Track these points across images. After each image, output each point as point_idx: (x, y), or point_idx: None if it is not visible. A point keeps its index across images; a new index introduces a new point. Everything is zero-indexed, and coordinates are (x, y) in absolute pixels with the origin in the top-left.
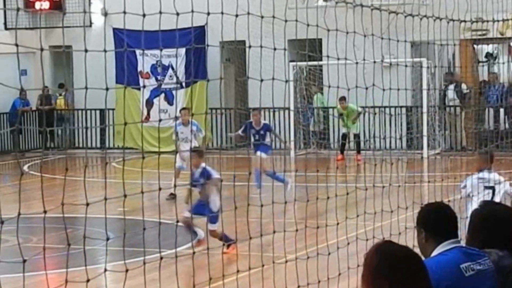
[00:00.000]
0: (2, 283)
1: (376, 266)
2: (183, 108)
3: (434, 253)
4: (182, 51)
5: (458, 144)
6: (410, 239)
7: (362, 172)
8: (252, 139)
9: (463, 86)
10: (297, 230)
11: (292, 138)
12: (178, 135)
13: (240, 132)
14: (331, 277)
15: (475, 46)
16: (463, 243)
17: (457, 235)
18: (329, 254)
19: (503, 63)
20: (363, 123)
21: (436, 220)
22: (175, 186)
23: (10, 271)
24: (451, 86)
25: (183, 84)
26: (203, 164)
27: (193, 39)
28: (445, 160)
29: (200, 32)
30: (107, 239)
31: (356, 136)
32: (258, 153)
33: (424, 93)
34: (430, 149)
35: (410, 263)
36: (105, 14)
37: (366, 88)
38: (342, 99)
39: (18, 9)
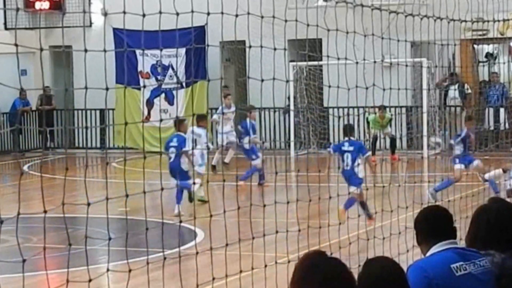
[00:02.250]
0: (2, 283)
1: (300, 280)
2: (229, 94)
3: (428, 254)
4: (182, 51)
5: None
6: (410, 239)
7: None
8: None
9: (466, 86)
10: (299, 230)
11: (292, 138)
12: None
13: None
14: None
15: (475, 46)
16: (463, 242)
17: (453, 236)
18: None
19: (503, 63)
20: (363, 123)
21: (425, 223)
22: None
23: (10, 271)
24: (453, 86)
25: (183, 84)
26: None
27: (193, 39)
28: (445, 160)
29: (200, 32)
30: (109, 239)
31: (392, 139)
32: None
33: (424, 93)
34: (430, 149)
35: (338, 279)
36: (105, 14)
37: (366, 88)
38: (382, 108)
39: (18, 9)
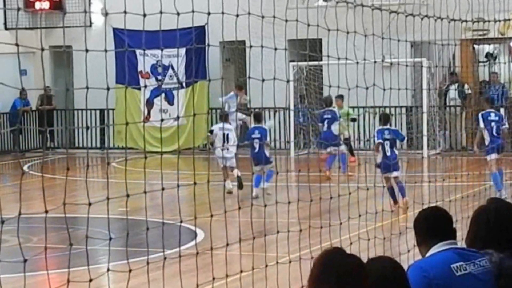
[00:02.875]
0: (3, 283)
1: (318, 277)
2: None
3: (428, 254)
4: (182, 51)
5: (458, 144)
6: (410, 239)
7: (363, 172)
8: None
9: (466, 86)
10: (300, 230)
11: (292, 138)
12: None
13: None
14: None
15: (475, 46)
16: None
17: (453, 236)
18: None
19: (504, 63)
20: (363, 123)
21: (424, 224)
22: (178, 185)
23: (11, 271)
24: (453, 86)
25: (184, 84)
26: None
27: (193, 39)
28: (445, 160)
29: (200, 32)
30: (110, 238)
31: (346, 139)
32: None
33: (424, 93)
34: (430, 149)
35: (355, 276)
36: (106, 14)
37: (367, 88)
38: (340, 97)
39: (18, 9)
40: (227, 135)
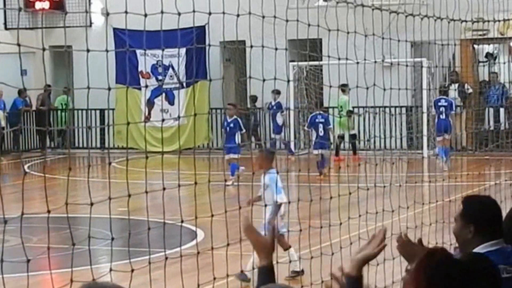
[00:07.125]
0: (1, 283)
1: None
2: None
3: (477, 250)
4: (183, 51)
5: (458, 144)
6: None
7: (362, 172)
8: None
9: (466, 86)
10: (301, 230)
11: (292, 138)
12: None
13: None
14: None
15: (475, 46)
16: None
17: (502, 235)
18: (332, 254)
19: (503, 63)
20: (363, 123)
21: (489, 217)
22: (179, 185)
23: (11, 271)
24: (454, 86)
25: (184, 84)
26: None
27: (194, 39)
28: None
29: (200, 32)
30: (112, 238)
31: (352, 136)
32: None
33: (424, 93)
34: (430, 149)
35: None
36: (107, 14)
37: (367, 88)
38: (345, 86)
39: (20, 9)
40: None
